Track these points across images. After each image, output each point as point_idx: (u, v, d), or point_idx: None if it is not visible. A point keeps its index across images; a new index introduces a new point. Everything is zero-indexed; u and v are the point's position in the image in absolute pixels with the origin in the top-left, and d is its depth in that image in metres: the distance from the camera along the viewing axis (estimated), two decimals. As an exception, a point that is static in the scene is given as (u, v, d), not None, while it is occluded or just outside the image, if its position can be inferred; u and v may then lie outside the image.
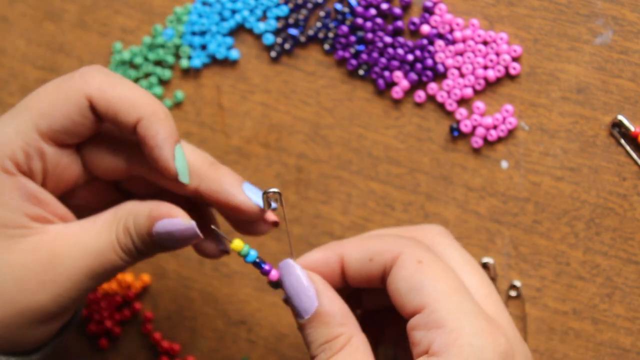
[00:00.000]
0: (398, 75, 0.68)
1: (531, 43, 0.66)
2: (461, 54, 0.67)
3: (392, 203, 0.69)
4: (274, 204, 0.58)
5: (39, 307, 0.56)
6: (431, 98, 0.68)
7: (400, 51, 0.68)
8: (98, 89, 0.56)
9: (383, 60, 0.68)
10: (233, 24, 0.71)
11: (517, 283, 0.67)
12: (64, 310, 0.57)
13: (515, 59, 0.66)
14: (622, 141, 0.65)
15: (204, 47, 0.71)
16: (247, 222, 0.60)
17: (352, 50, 0.69)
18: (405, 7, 0.68)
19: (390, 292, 0.56)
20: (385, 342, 0.61)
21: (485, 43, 0.67)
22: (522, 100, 0.66)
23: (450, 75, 0.67)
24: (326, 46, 0.69)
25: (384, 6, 0.68)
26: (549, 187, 0.66)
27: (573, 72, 0.65)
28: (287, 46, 0.70)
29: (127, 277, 0.73)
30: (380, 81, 0.68)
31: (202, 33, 0.71)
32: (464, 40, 0.67)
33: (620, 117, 0.64)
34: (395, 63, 0.68)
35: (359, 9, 0.68)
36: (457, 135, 0.67)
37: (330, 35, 0.69)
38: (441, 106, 0.68)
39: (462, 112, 0.67)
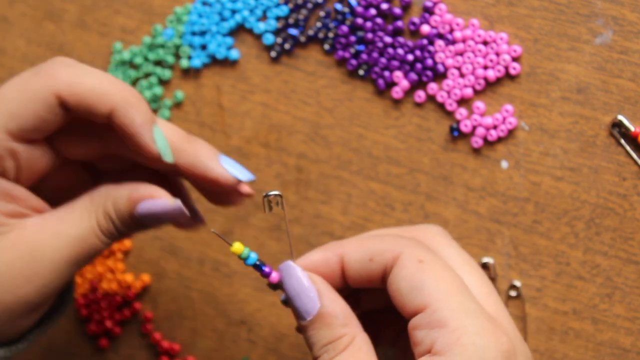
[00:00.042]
0: (398, 75, 0.68)
1: (531, 43, 0.66)
2: (461, 54, 0.67)
3: (392, 203, 0.69)
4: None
5: (25, 301, 0.57)
6: (431, 98, 0.68)
7: (400, 51, 0.68)
8: (66, 85, 0.56)
9: (383, 60, 0.68)
10: (233, 24, 0.71)
11: (517, 283, 0.67)
12: (48, 299, 0.58)
13: (515, 59, 0.66)
14: (622, 141, 0.65)
15: (204, 47, 0.71)
16: (221, 194, 0.60)
17: (352, 50, 0.69)
18: (405, 7, 0.68)
19: (391, 292, 0.56)
20: (382, 342, 0.61)
21: (485, 43, 0.67)
22: (522, 100, 0.66)
23: (450, 75, 0.67)
24: (326, 46, 0.69)
25: (384, 6, 0.68)
26: (549, 187, 0.66)
27: (573, 72, 0.65)
28: (287, 46, 0.70)
29: (127, 277, 0.73)
30: (380, 81, 0.68)
31: (202, 33, 0.71)
32: (464, 40, 0.67)
33: (620, 117, 0.64)
34: (395, 63, 0.68)
35: (359, 9, 0.68)
36: (457, 135, 0.67)
37: (330, 35, 0.69)
38: (441, 106, 0.68)
39: (462, 112, 0.67)
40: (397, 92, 0.68)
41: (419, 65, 0.68)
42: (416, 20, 0.68)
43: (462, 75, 0.67)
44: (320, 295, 0.56)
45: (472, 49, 0.67)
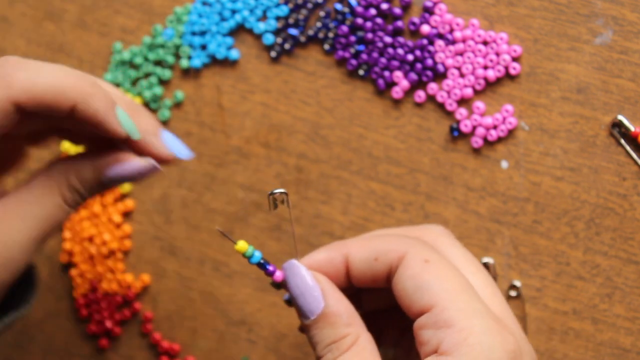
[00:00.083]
0: (398, 75, 0.68)
1: (531, 43, 0.66)
2: (461, 54, 0.67)
3: (392, 203, 0.69)
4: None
5: (1, 287, 0.57)
6: (431, 98, 0.68)
7: (400, 51, 0.68)
8: (22, 90, 0.55)
9: (383, 60, 0.68)
10: (233, 24, 0.71)
11: (517, 283, 0.67)
12: (18, 276, 0.59)
13: (515, 59, 0.66)
14: (622, 141, 0.65)
15: (204, 47, 0.71)
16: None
17: (352, 50, 0.69)
18: (405, 7, 0.68)
19: (396, 291, 0.55)
20: (385, 342, 0.61)
21: (485, 43, 0.67)
22: (522, 100, 0.66)
23: (450, 75, 0.67)
24: (326, 46, 0.69)
25: (384, 6, 0.68)
26: (549, 187, 0.66)
27: (573, 72, 0.65)
28: (287, 46, 0.70)
29: (127, 277, 0.73)
30: (380, 81, 0.68)
31: (202, 33, 0.71)
32: (464, 40, 0.67)
33: (620, 117, 0.64)
34: (395, 63, 0.68)
35: (359, 9, 0.68)
36: (457, 135, 0.67)
37: (330, 35, 0.69)
38: (441, 106, 0.68)
39: (462, 112, 0.67)
40: (397, 92, 0.68)
41: (419, 65, 0.68)
42: (416, 20, 0.68)
43: (462, 75, 0.67)
44: (325, 294, 0.56)
45: (472, 49, 0.67)
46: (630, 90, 0.64)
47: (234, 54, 0.71)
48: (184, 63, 0.71)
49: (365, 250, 0.57)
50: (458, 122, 0.67)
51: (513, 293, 0.67)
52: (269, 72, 0.70)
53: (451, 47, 0.67)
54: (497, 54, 0.66)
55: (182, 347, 0.72)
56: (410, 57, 0.68)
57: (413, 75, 0.68)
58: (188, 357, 0.72)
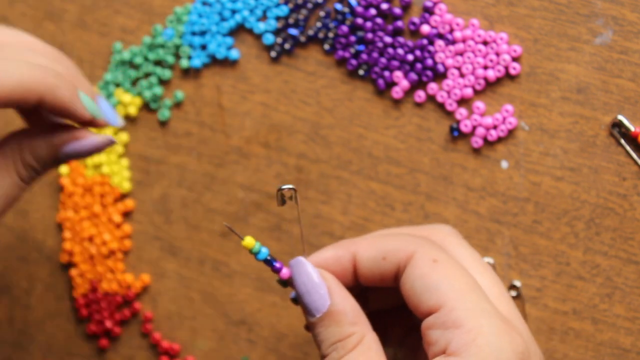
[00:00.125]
0: (398, 75, 0.68)
1: (531, 43, 0.66)
2: (461, 54, 0.67)
3: (392, 203, 0.69)
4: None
5: None
6: (431, 98, 0.68)
7: (400, 51, 0.68)
8: None
9: (383, 60, 0.68)
10: (233, 24, 0.71)
11: (517, 283, 0.67)
12: None
13: (515, 59, 0.66)
14: (622, 141, 0.65)
15: (204, 47, 0.71)
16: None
17: (352, 50, 0.69)
18: (405, 7, 0.68)
19: (404, 291, 0.55)
20: (390, 342, 0.61)
21: (485, 43, 0.67)
22: (522, 100, 0.66)
23: (450, 75, 0.67)
24: (326, 46, 0.69)
25: (384, 6, 0.68)
26: (549, 187, 0.66)
27: (573, 72, 0.65)
28: (287, 46, 0.70)
29: (127, 277, 0.73)
30: (380, 81, 0.68)
31: (202, 33, 0.71)
32: (464, 40, 0.67)
33: (620, 117, 0.64)
34: (395, 63, 0.68)
35: (359, 9, 0.68)
36: (457, 135, 0.67)
37: (330, 35, 0.69)
38: (441, 106, 0.68)
39: (462, 112, 0.67)
40: (397, 92, 0.68)
41: (419, 65, 0.68)
42: (416, 20, 0.68)
43: (462, 75, 0.67)
44: (331, 292, 0.56)
45: (472, 49, 0.67)
46: (630, 90, 0.64)
47: (234, 54, 0.71)
48: (184, 63, 0.71)
49: (373, 249, 0.57)
50: (458, 122, 0.67)
51: (513, 293, 0.67)
52: (269, 72, 0.70)
53: (451, 47, 0.67)
54: (497, 54, 0.66)
55: (182, 347, 0.72)
56: (410, 57, 0.68)
57: (413, 75, 0.68)
58: (188, 357, 0.72)
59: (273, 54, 0.70)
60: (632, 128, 0.64)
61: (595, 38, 0.65)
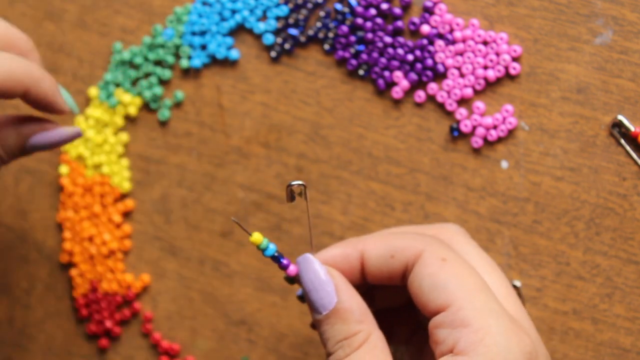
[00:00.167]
0: (398, 75, 0.68)
1: (531, 43, 0.66)
2: (461, 54, 0.67)
3: (392, 203, 0.69)
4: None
5: None
6: (431, 98, 0.68)
7: (400, 51, 0.68)
8: None
9: (383, 60, 0.68)
10: (233, 24, 0.71)
11: (517, 283, 0.67)
12: None
13: (515, 59, 0.66)
14: (622, 141, 0.65)
15: (204, 47, 0.71)
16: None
17: (352, 50, 0.69)
18: (405, 7, 0.68)
19: (412, 289, 0.55)
20: (396, 340, 0.61)
21: (485, 43, 0.67)
22: (522, 100, 0.66)
23: (450, 75, 0.67)
24: (326, 46, 0.69)
25: (384, 6, 0.68)
26: (549, 187, 0.66)
27: (573, 72, 0.65)
28: (287, 46, 0.70)
29: (127, 277, 0.73)
30: (380, 81, 0.68)
31: (202, 33, 0.71)
32: (464, 40, 0.67)
33: (620, 117, 0.64)
34: (395, 63, 0.68)
35: (359, 9, 0.68)
36: (457, 135, 0.67)
37: (330, 35, 0.69)
38: (441, 106, 0.68)
39: (462, 112, 0.67)
40: (397, 92, 0.68)
41: (419, 65, 0.68)
42: (416, 20, 0.68)
43: (462, 75, 0.67)
44: (338, 290, 0.55)
45: (472, 49, 0.67)
46: (630, 90, 0.64)
47: (234, 54, 0.71)
48: (184, 63, 0.71)
49: (381, 247, 0.57)
50: (458, 122, 0.67)
51: (513, 293, 0.67)
52: (269, 72, 0.70)
53: (451, 47, 0.67)
54: (497, 54, 0.66)
55: (182, 347, 0.72)
56: (410, 57, 0.68)
57: (413, 75, 0.68)
58: (188, 357, 0.72)
59: (273, 54, 0.70)
60: (632, 128, 0.64)
61: (595, 38, 0.65)
